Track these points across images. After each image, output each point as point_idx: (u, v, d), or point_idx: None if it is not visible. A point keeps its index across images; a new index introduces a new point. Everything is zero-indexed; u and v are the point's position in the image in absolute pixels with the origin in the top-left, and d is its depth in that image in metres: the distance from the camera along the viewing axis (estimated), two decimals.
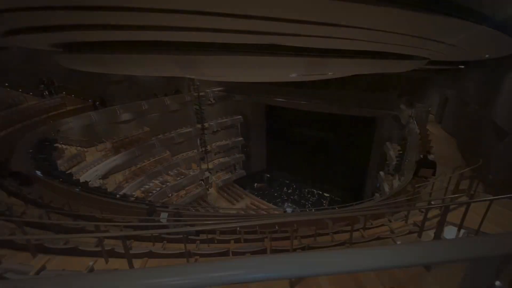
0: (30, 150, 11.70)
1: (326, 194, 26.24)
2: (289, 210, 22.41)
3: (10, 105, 14.07)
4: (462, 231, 3.96)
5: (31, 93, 15.45)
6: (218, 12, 3.26)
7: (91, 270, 3.34)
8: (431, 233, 4.48)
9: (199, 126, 23.49)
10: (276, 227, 6.69)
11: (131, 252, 3.56)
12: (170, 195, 19.97)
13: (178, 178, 21.34)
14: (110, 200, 9.80)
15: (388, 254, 0.84)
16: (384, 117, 18.92)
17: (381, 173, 16.34)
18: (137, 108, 19.63)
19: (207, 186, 23.78)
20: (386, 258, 0.84)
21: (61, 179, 10.26)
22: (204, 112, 23.63)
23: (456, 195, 5.54)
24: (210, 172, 24.46)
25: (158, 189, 19.31)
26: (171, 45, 5.94)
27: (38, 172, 10.16)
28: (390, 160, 15.52)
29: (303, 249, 4.36)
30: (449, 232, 4.15)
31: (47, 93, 16.34)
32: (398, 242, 4.45)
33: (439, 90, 17.21)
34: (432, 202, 6.03)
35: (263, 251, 4.34)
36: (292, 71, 6.68)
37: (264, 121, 28.85)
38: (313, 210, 21.26)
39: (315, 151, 26.31)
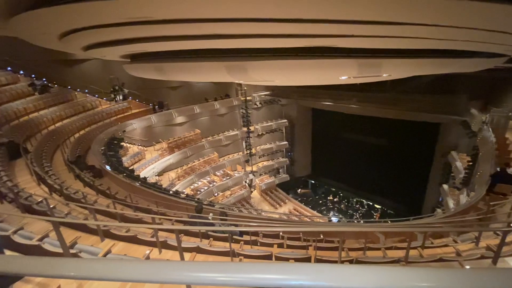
0: (102, 147, 13.51)
1: (377, 206, 24.29)
2: (334, 219, 21.40)
3: (89, 109, 16.51)
4: None
5: (104, 98, 17.89)
6: (270, 18, 3.31)
7: (147, 258, 3.66)
8: (510, 260, 3.77)
9: (245, 129, 24.14)
10: (321, 236, 6.42)
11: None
12: (216, 194, 20.89)
13: (224, 179, 22.21)
14: (164, 195, 10.68)
15: (457, 277, 0.71)
16: (450, 122, 16.74)
17: (445, 186, 14.49)
18: (190, 111, 21.11)
19: (252, 189, 24.21)
20: (454, 281, 0.70)
21: (125, 174, 11.57)
22: (250, 115, 24.23)
23: None
24: (254, 175, 24.86)
25: (205, 188, 20.38)
26: (222, 52, 6.25)
27: (108, 167, 11.66)
28: (456, 172, 13.65)
29: (350, 262, 4.09)
30: None
31: (116, 98, 18.69)
32: (467, 267, 3.85)
33: None
34: None
35: (307, 259, 4.21)
36: (342, 73, 6.39)
37: (310, 125, 28.16)
38: (361, 221, 19.93)
39: (366, 158, 24.58)
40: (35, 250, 3.24)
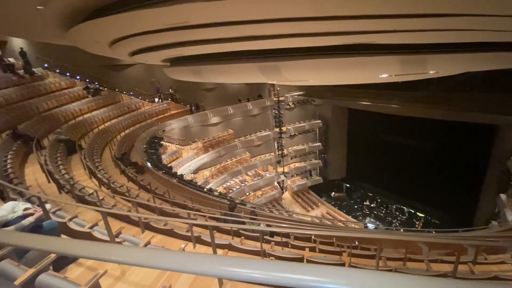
0: (144, 146, 14.53)
1: (420, 214, 22.43)
2: (370, 226, 20.29)
3: (133, 110, 17.88)
4: None
5: (147, 100, 19.26)
6: (305, 17, 3.25)
7: (183, 251, 3.84)
8: None
9: (277, 130, 24.07)
10: (356, 242, 6.12)
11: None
12: (247, 193, 21.15)
13: (256, 179, 22.39)
14: (198, 192, 11.11)
15: None
16: (509, 124, 14.81)
17: (502, 196, 12.84)
18: (224, 112, 21.70)
19: (284, 191, 24.05)
20: None
21: (163, 171, 12.30)
22: (282, 116, 24.08)
23: None
24: (285, 176, 24.64)
25: (237, 187, 20.76)
26: (256, 53, 6.30)
27: (149, 164, 12.50)
28: None
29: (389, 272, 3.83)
30: None
31: (157, 100, 20.05)
32: None
33: None
34: None
35: (340, 265, 4.04)
36: (382, 71, 6.03)
37: (345, 126, 27.06)
38: (401, 230, 18.62)
39: (408, 162, 22.81)
40: (86, 237, 3.60)
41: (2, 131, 9.63)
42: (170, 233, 4.88)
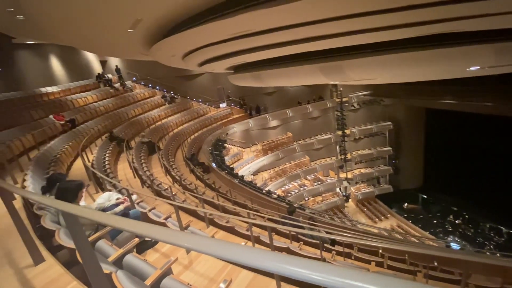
0: (210, 147, 15.73)
1: None
2: (454, 245, 17.27)
3: (201, 115, 19.60)
4: None
5: (213, 106, 20.87)
6: (378, 10, 3.01)
7: None
8: None
9: (339, 133, 22.80)
10: (435, 263, 5.28)
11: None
12: (306, 198, 20.61)
13: (315, 184, 21.65)
14: (258, 193, 11.39)
15: None
16: None
17: None
18: (283, 115, 21.78)
19: (346, 198, 22.59)
20: None
21: (226, 171, 13.06)
22: (346, 118, 22.70)
23: None
24: (349, 182, 23.09)
25: (296, 191, 20.46)
26: (317, 54, 6.13)
27: (213, 164, 13.46)
28: None
29: None
30: None
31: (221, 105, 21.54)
32: None
33: None
34: None
35: None
36: (472, 63, 5.08)
37: (422, 128, 23.76)
38: (497, 254, 15.28)
39: (508, 172, 18.59)
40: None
41: (103, 134, 11.82)
42: (231, 230, 5.13)
